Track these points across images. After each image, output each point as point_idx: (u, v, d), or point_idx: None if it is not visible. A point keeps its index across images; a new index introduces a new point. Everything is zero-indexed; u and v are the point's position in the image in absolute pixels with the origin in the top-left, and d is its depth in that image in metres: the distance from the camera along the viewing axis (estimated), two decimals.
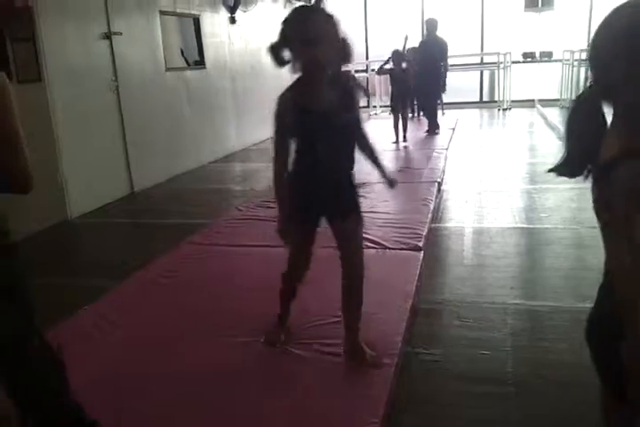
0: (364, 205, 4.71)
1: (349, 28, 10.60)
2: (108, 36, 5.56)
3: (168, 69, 6.66)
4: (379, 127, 8.26)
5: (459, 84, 11.70)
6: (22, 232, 4.61)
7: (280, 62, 2.02)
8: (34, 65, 4.76)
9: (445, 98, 11.07)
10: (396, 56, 7.63)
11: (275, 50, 2.00)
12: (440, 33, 8.39)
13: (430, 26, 8.36)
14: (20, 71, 4.80)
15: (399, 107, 7.70)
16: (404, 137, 7.72)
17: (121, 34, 5.71)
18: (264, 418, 2.03)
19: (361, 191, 5.40)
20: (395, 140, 7.66)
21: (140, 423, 2.04)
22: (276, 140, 2.18)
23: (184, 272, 3.40)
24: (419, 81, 8.14)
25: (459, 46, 12.23)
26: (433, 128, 8.30)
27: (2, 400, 1.27)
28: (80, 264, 4.09)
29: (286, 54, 1.99)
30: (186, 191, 6.04)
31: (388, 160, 6.80)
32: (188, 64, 7.40)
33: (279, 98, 2.09)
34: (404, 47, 8.04)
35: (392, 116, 7.77)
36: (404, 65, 7.83)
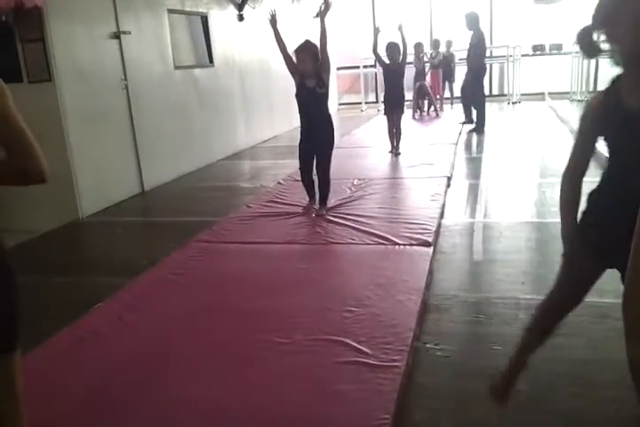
0: (373, 199, 4.74)
1: (357, 21, 10.45)
2: (117, 35, 5.58)
3: (177, 68, 6.68)
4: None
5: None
6: (35, 231, 4.67)
7: (592, 52, 1.60)
8: (44, 65, 4.79)
9: (455, 92, 11.08)
10: (391, 50, 6.51)
11: (587, 36, 1.56)
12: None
13: (473, 19, 8.12)
14: (31, 72, 4.83)
15: (394, 109, 6.77)
16: (397, 147, 6.82)
17: (130, 33, 5.72)
18: (276, 413, 2.04)
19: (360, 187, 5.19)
20: (390, 148, 6.83)
21: (156, 415, 2.05)
22: (577, 141, 1.70)
23: (194, 270, 3.42)
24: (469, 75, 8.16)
25: (466, 40, 12.17)
26: (479, 125, 8.30)
27: None
28: (92, 262, 4.12)
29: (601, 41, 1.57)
30: (195, 189, 6.06)
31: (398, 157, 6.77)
32: None
33: (594, 97, 1.69)
34: (376, 41, 6.81)
35: (386, 119, 6.85)
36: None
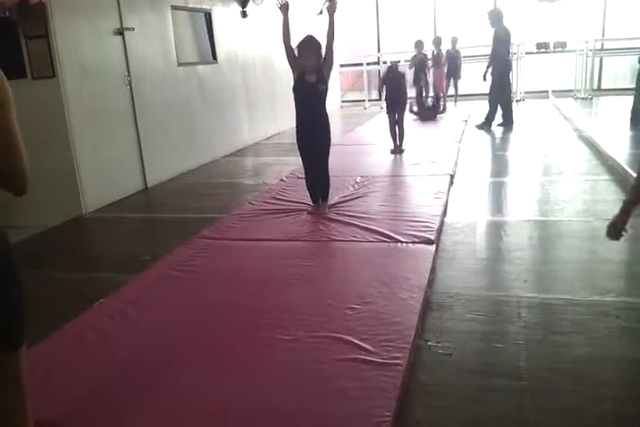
0: (376, 197, 4.74)
1: (360, 19, 10.50)
2: (120, 31, 5.58)
3: (180, 64, 6.68)
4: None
5: (471, 76, 11.60)
6: (38, 227, 4.68)
7: None
8: (48, 61, 4.80)
9: (459, 89, 11.06)
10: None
11: None
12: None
13: (497, 16, 8.07)
14: (35, 68, 4.84)
15: (395, 107, 6.71)
16: (400, 145, 6.76)
17: (133, 29, 5.72)
18: (278, 409, 2.04)
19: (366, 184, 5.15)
20: (392, 148, 6.75)
21: (158, 412, 2.06)
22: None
23: (197, 266, 3.43)
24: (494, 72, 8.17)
25: (471, 37, 12.14)
26: (507, 121, 8.29)
27: None
28: (95, 258, 4.13)
29: None
30: (199, 186, 6.07)
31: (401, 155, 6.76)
32: None
33: None
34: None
35: (388, 118, 6.80)
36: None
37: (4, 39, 4.88)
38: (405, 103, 6.95)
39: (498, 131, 8.25)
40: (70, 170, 4.97)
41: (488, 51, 12.58)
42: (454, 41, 10.60)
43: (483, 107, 10.92)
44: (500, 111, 8.52)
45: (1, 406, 1.44)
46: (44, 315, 2.92)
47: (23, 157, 1.32)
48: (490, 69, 8.44)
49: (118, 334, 2.66)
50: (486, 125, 8.32)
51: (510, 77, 8.44)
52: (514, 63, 11.39)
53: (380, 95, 6.92)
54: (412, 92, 9.59)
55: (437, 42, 10.46)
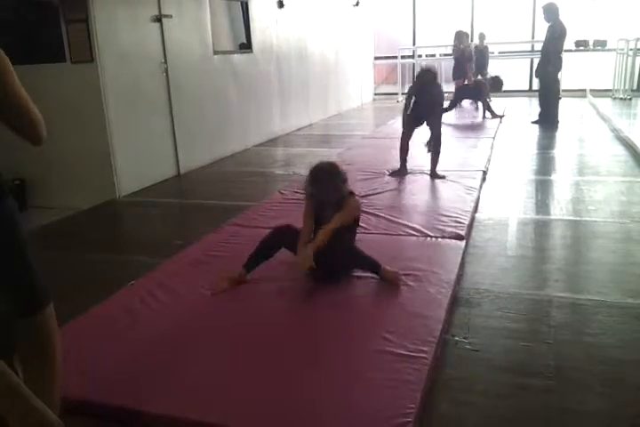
0: (406, 190, 4.71)
1: (397, 10, 10.37)
2: (158, 18, 5.62)
3: (216, 53, 6.71)
4: None
5: (508, 72, 11.43)
6: (72, 209, 4.77)
7: None
8: (86, 46, 4.86)
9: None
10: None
11: None
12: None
13: (552, 11, 7.90)
14: (74, 52, 4.90)
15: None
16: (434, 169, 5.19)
17: (171, 17, 5.76)
18: (302, 398, 2.05)
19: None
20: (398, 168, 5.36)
21: (184, 392, 2.09)
22: None
23: (227, 252, 3.45)
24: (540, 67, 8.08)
25: (509, 33, 11.96)
26: (543, 119, 8.15)
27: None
28: (127, 241, 4.19)
29: None
30: (230, 174, 6.11)
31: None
32: None
33: None
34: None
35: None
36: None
37: (45, 23, 4.96)
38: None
39: (534, 129, 8.12)
40: (106, 154, 5.04)
41: (525, 47, 12.27)
42: (482, 37, 10.45)
43: (516, 103, 10.79)
44: (539, 109, 8.39)
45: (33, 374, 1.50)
46: (76, 295, 2.98)
47: (35, 116, 1.56)
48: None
49: (148, 316, 2.70)
50: (547, 123, 8.13)
51: (559, 76, 8.21)
52: None
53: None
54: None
55: (482, 37, 10.33)
